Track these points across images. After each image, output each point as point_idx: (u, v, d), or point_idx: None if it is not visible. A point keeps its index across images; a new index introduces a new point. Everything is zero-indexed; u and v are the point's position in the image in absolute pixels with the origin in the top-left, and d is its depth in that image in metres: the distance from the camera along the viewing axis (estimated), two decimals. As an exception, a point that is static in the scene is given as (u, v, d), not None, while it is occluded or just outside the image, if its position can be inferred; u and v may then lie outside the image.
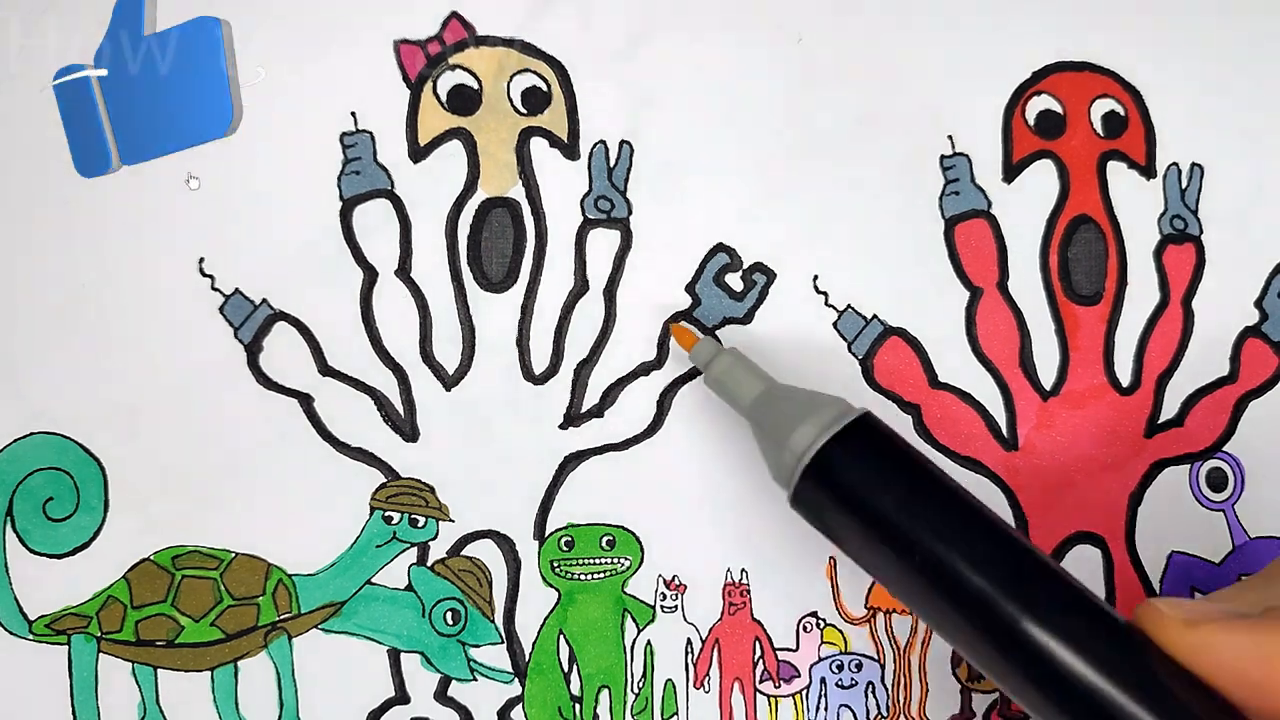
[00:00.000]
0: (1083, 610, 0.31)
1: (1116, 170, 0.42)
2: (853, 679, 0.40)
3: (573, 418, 0.40)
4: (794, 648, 0.40)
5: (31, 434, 0.38)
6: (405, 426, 0.39)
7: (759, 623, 0.40)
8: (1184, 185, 0.42)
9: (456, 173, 0.40)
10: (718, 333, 0.40)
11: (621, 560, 0.39)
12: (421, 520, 0.39)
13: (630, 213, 0.40)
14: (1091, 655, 0.30)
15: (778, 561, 0.40)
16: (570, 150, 0.40)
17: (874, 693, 0.40)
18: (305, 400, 0.39)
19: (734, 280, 0.40)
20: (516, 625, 0.39)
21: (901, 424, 0.40)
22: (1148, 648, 0.30)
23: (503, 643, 0.39)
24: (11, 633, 0.38)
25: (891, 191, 0.41)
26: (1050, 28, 0.42)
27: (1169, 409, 0.41)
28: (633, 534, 0.39)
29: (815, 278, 0.41)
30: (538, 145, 0.40)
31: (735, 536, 0.40)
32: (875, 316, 0.40)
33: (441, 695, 0.39)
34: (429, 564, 0.39)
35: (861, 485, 0.33)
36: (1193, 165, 0.42)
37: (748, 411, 0.36)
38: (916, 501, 0.33)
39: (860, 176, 0.41)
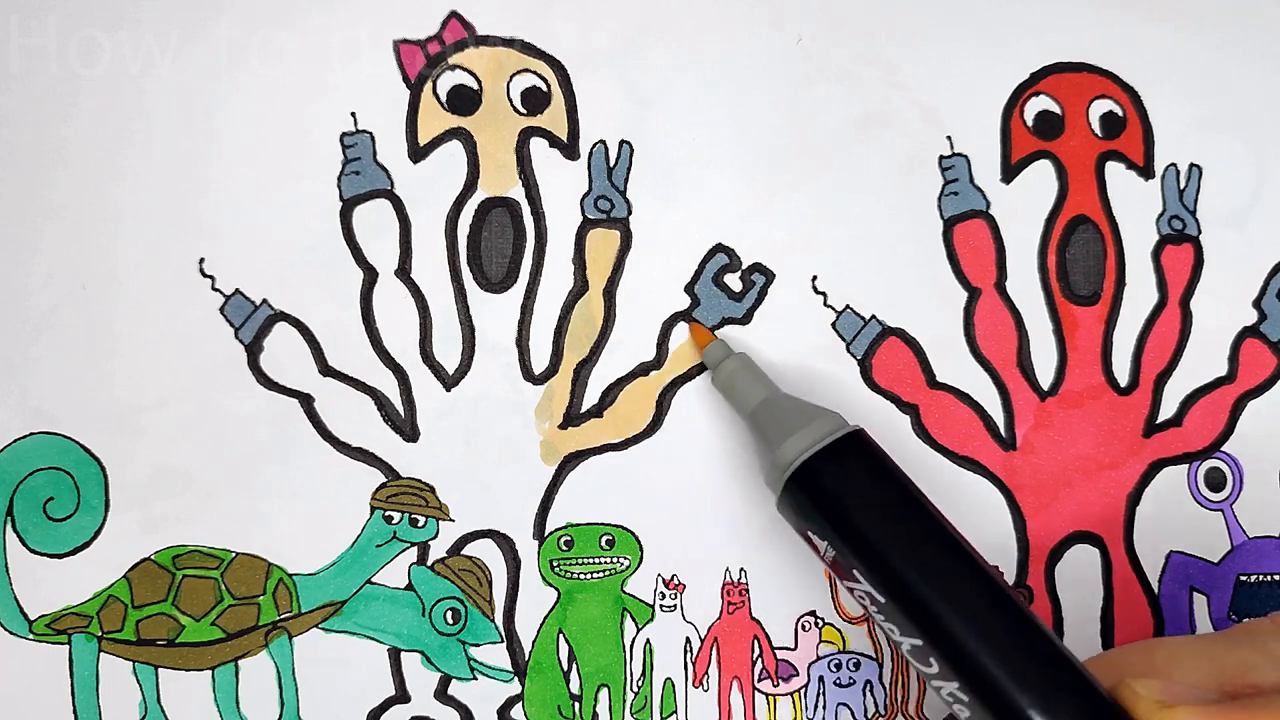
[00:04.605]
0: (1051, 663, 0.32)
1: (1115, 171, 0.42)
2: (851, 678, 0.40)
3: (573, 418, 0.40)
4: (792, 647, 0.40)
5: (31, 434, 0.38)
6: (405, 426, 0.39)
7: (758, 622, 0.40)
8: (1182, 186, 0.42)
9: (456, 173, 0.40)
10: (717, 333, 0.40)
11: (621, 559, 0.40)
12: (421, 520, 0.39)
13: (630, 213, 0.40)
14: (1053, 704, 0.31)
15: (776, 561, 0.40)
16: (570, 150, 0.40)
17: (872, 691, 0.40)
18: (306, 400, 0.39)
19: (733, 280, 0.40)
20: (516, 624, 0.39)
21: (900, 424, 0.40)
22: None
23: (502, 642, 0.39)
24: (12, 633, 0.38)
25: (890, 191, 0.41)
26: (1049, 28, 0.42)
27: (1167, 409, 0.41)
28: (632, 533, 0.40)
29: (814, 278, 0.41)
30: (537, 145, 0.40)
31: (734, 536, 0.40)
32: (874, 317, 0.41)
33: (442, 694, 0.39)
34: (429, 563, 0.39)
35: (842, 499, 0.35)
36: (1191, 166, 0.42)
37: (750, 416, 0.37)
38: (892, 523, 0.34)
39: (859, 176, 0.41)
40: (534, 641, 0.39)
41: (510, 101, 0.40)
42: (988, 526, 0.40)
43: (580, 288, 0.40)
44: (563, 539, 0.39)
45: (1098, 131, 0.42)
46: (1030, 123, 0.42)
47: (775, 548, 0.40)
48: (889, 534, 0.34)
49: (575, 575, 0.39)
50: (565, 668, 0.39)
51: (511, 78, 0.40)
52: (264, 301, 0.39)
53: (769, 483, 0.36)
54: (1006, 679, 0.32)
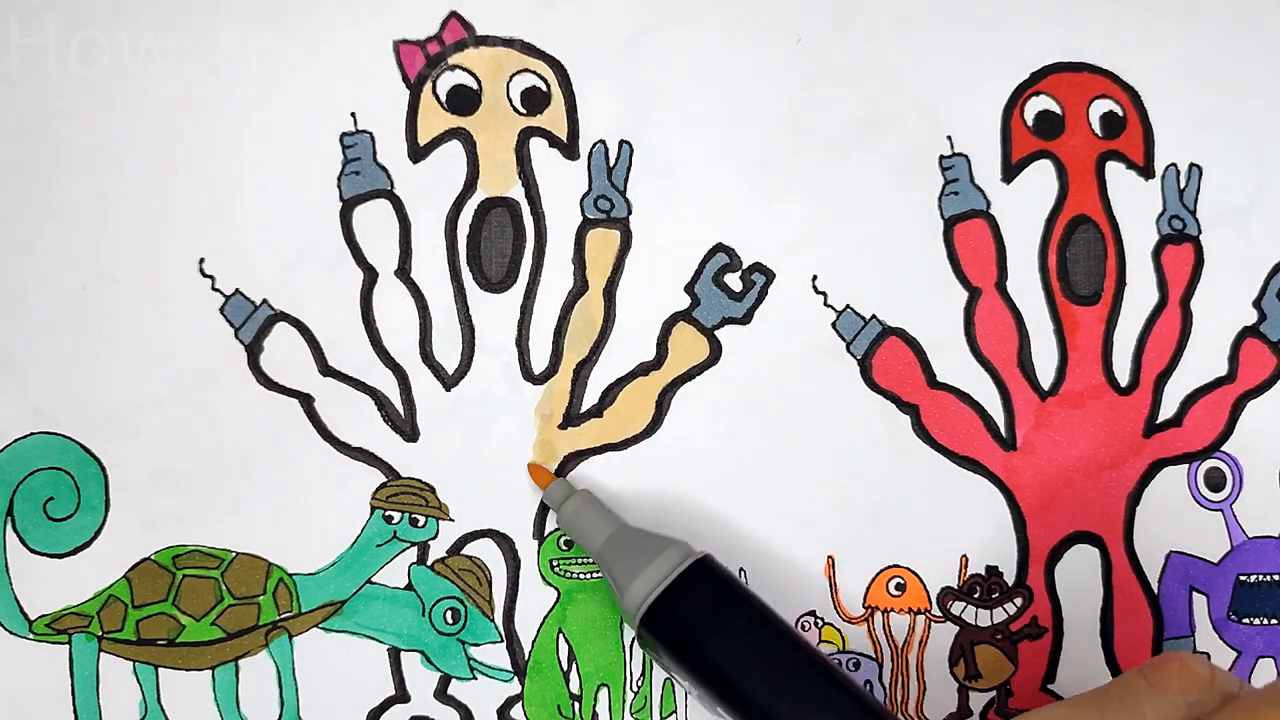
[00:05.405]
0: None
1: (1115, 170, 0.42)
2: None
3: (572, 418, 0.40)
4: (793, 647, 0.40)
5: (32, 434, 0.38)
6: (405, 426, 0.39)
7: (758, 622, 0.40)
8: (1182, 185, 0.42)
9: (456, 173, 0.40)
10: (717, 333, 0.40)
11: (621, 559, 0.40)
12: (421, 519, 0.39)
13: (630, 213, 0.40)
14: None
15: (776, 561, 0.40)
16: (570, 150, 0.40)
17: (872, 691, 0.40)
18: (306, 400, 0.39)
19: (733, 280, 0.40)
20: (516, 624, 0.39)
21: (900, 424, 0.40)
22: None
23: (502, 641, 0.39)
24: (12, 632, 0.38)
25: (891, 191, 0.41)
26: (1049, 28, 0.42)
27: (1167, 409, 0.41)
28: (632, 533, 0.40)
29: (814, 278, 0.41)
30: (537, 145, 0.40)
31: (734, 536, 0.40)
32: (874, 316, 0.41)
33: (441, 694, 0.39)
34: (429, 563, 0.39)
35: (691, 639, 0.35)
36: (1191, 166, 0.42)
37: (597, 556, 0.37)
38: (745, 654, 0.35)
39: (860, 176, 0.41)
40: (534, 641, 0.39)
41: (510, 101, 0.40)
42: (988, 526, 0.40)
43: (580, 288, 0.40)
44: (562, 539, 0.39)
45: (1098, 131, 0.42)
46: (1030, 122, 0.42)
47: (775, 548, 0.40)
48: (743, 667, 0.34)
49: (575, 575, 0.39)
50: (565, 668, 0.39)
51: (511, 78, 0.40)
52: (264, 301, 0.39)
53: (628, 624, 0.37)
54: None
